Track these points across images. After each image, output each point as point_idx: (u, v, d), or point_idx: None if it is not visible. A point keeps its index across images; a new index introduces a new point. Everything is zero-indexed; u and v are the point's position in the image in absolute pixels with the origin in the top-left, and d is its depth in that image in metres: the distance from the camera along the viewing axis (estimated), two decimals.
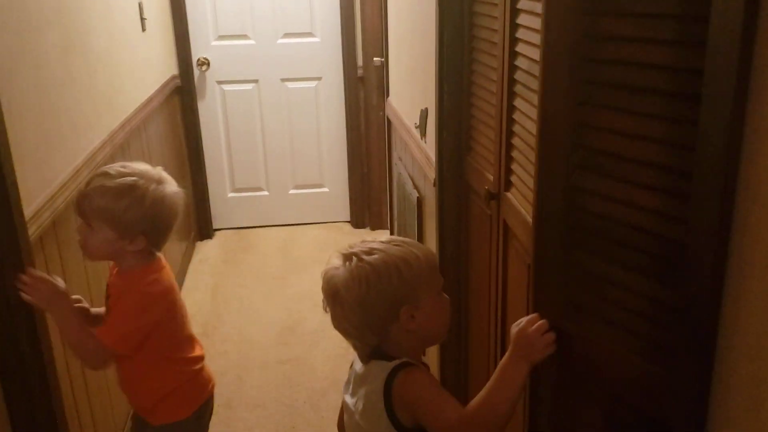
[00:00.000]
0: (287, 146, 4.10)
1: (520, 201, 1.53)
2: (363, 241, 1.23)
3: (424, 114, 2.21)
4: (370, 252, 1.20)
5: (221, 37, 3.88)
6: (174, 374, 1.61)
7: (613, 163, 0.91)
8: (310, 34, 3.92)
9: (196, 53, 3.87)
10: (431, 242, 2.22)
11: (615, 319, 0.94)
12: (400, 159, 2.80)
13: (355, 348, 1.27)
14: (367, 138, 4.02)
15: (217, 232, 4.22)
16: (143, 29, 3.09)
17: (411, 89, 2.48)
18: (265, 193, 4.20)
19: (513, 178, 1.59)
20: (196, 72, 3.90)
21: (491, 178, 1.72)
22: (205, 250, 4.04)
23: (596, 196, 0.95)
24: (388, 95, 3.08)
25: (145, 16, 3.12)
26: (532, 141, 1.43)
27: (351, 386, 1.29)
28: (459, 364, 2.16)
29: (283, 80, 3.98)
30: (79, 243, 1.50)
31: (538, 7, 1.33)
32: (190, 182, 3.99)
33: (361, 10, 3.79)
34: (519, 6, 1.46)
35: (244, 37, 3.89)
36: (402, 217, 2.79)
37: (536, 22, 1.37)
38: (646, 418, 0.90)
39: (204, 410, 1.69)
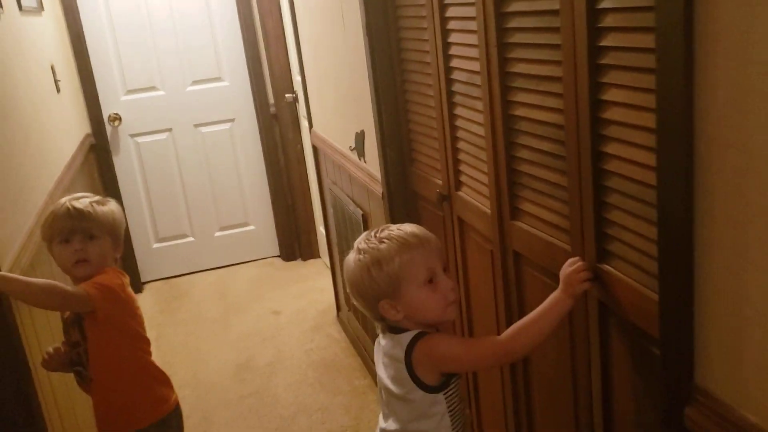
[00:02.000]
0: (208, 190, 4.16)
1: (474, 196, 1.72)
2: (383, 229, 1.36)
3: (360, 136, 2.38)
4: (364, 250, 1.34)
5: (130, 92, 3.91)
6: (143, 368, 1.82)
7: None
8: (218, 79, 4.03)
9: (107, 110, 3.88)
10: None
11: (629, 258, 1.13)
12: (335, 183, 2.95)
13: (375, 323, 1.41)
14: (288, 171, 4.15)
15: (147, 285, 4.19)
16: (58, 91, 3.10)
17: (341, 117, 2.65)
18: (191, 239, 4.23)
19: (463, 178, 1.78)
20: (109, 128, 3.90)
21: (440, 182, 1.91)
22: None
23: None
24: (311, 126, 3.23)
25: (59, 78, 3.13)
26: (478, 141, 1.63)
27: (378, 357, 1.40)
28: None
29: (197, 125, 4.05)
30: (76, 261, 1.70)
31: (469, 25, 1.55)
32: None
33: (266, 50, 3.94)
34: (449, 27, 1.67)
35: (153, 88, 3.94)
36: (344, 238, 2.93)
37: (467, 38, 1.58)
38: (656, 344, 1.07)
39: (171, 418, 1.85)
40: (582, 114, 1.18)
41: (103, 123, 3.86)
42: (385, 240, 1.33)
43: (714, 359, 0.94)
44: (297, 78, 3.78)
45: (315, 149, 3.24)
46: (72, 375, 1.82)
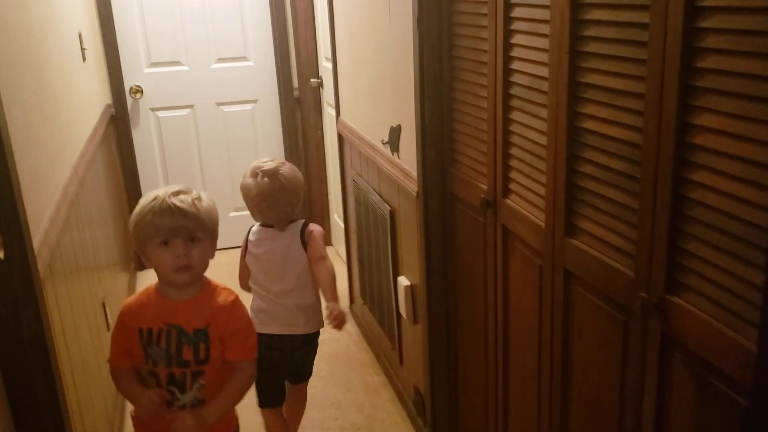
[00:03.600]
0: (225, 169, 4.09)
1: (524, 205, 1.66)
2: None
3: (396, 131, 2.32)
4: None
5: (154, 64, 3.84)
6: None
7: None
8: (243, 58, 3.95)
9: (129, 81, 3.80)
10: (410, 253, 2.32)
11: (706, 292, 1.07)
12: (360, 175, 2.89)
13: None
14: (306, 157, 4.08)
15: None
16: (84, 59, 3.03)
17: (374, 108, 2.58)
18: None
19: (512, 186, 1.72)
20: (130, 100, 3.83)
21: (485, 187, 1.85)
22: (147, 280, 3.93)
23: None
24: (339, 114, 3.16)
25: (85, 46, 3.06)
26: (534, 149, 1.57)
27: None
28: (450, 372, 2.26)
29: (219, 104, 3.98)
30: (178, 266, 1.52)
31: (539, 28, 1.49)
32: (127, 211, 3.90)
33: (294, 34, 3.86)
34: (514, 27, 1.61)
35: (177, 63, 3.87)
36: (364, 230, 2.87)
37: (535, 41, 1.51)
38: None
39: None
40: (665, 136, 1.12)
41: (125, 94, 3.78)
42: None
43: None
44: (324, 63, 3.70)
45: (340, 138, 3.17)
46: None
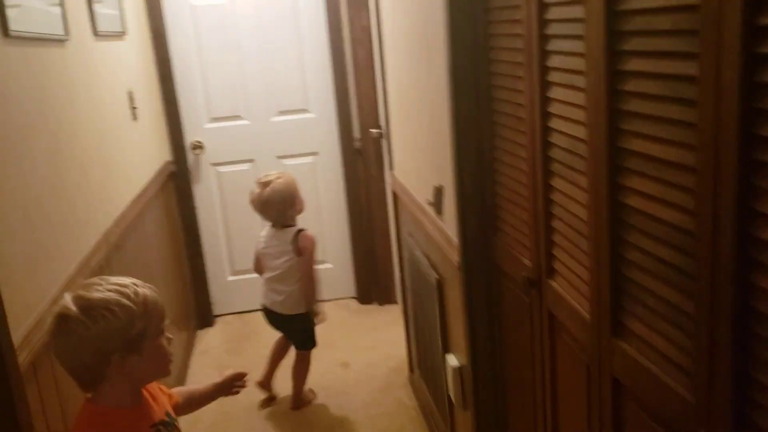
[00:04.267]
0: None
1: (568, 290, 1.38)
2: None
3: (438, 192, 2.09)
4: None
5: (214, 119, 3.79)
6: None
7: None
8: (304, 110, 3.84)
9: (190, 137, 3.77)
10: (459, 328, 2.06)
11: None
12: (411, 236, 2.66)
13: None
14: (369, 210, 3.90)
15: (219, 319, 4.03)
16: (134, 118, 2.99)
17: (419, 164, 2.36)
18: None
19: (556, 265, 1.44)
20: (191, 156, 3.79)
21: (528, 263, 1.58)
22: (207, 339, 3.85)
23: None
24: (391, 168, 2.96)
25: (136, 104, 3.02)
26: (576, 223, 1.30)
27: None
28: None
29: (280, 158, 3.88)
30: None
31: (575, 80, 1.23)
32: (188, 268, 3.83)
33: (356, 83, 3.72)
34: (550, 79, 1.35)
35: (237, 117, 3.80)
36: (417, 296, 2.63)
37: (572, 96, 1.26)
38: None
39: None
40: (724, 224, 0.83)
41: (185, 150, 3.75)
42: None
43: None
44: (384, 111, 3.53)
45: (394, 193, 2.96)
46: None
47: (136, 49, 3.21)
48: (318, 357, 3.45)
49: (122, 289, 1.30)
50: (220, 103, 3.76)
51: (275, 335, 3.15)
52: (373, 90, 3.68)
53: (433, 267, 2.30)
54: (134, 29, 3.22)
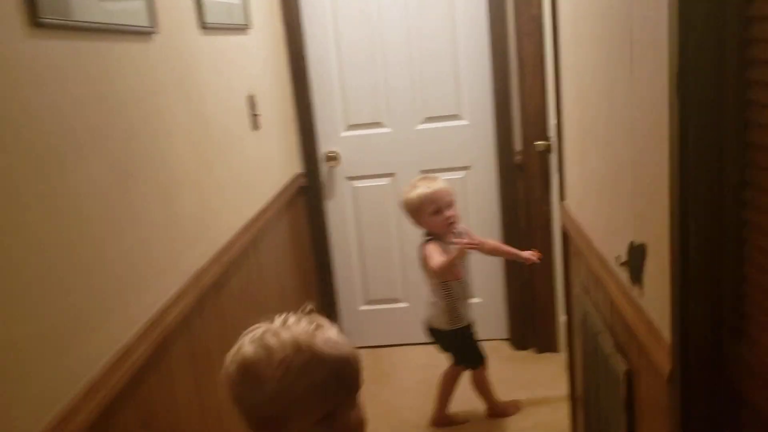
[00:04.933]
0: None
1: None
2: None
3: (638, 251, 1.41)
4: None
5: (352, 127, 3.30)
6: None
7: None
8: (456, 117, 3.25)
9: (324, 147, 3.31)
10: None
11: None
12: (587, 292, 1.99)
13: None
14: (529, 238, 3.24)
15: None
16: (255, 127, 2.56)
17: (605, 202, 1.69)
18: (404, 304, 3.51)
19: None
20: (324, 168, 3.33)
21: None
22: None
23: None
24: (562, 197, 2.30)
25: (258, 110, 2.59)
26: None
27: None
28: None
29: (424, 172, 3.31)
30: None
31: None
32: (315, 294, 3.39)
33: (520, 85, 3.07)
34: None
35: (378, 124, 3.29)
36: (591, 373, 1.96)
37: None
38: None
39: None
40: None
41: (317, 162, 3.29)
42: None
43: None
44: (554, 122, 2.86)
45: (564, 232, 2.29)
46: None
47: (263, 44, 2.79)
48: (465, 425, 2.88)
49: None
50: (359, 107, 3.27)
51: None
52: (541, 94, 3.01)
53: (620, 350, 1.63)
54: (262, 22, 2.80)
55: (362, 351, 3.57)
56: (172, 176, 1.76)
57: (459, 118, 3.25)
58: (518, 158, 3.17)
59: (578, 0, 1.89)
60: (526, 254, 2.73)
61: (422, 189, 2.54)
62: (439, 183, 2.57)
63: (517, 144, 3.16)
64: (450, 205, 2.54)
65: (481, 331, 3.43)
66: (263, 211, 2.55)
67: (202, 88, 2.04)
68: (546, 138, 3.04)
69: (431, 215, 2.54)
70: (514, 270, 3.31)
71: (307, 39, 3.19)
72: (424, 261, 2.58)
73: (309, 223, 3.31)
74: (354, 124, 3.29)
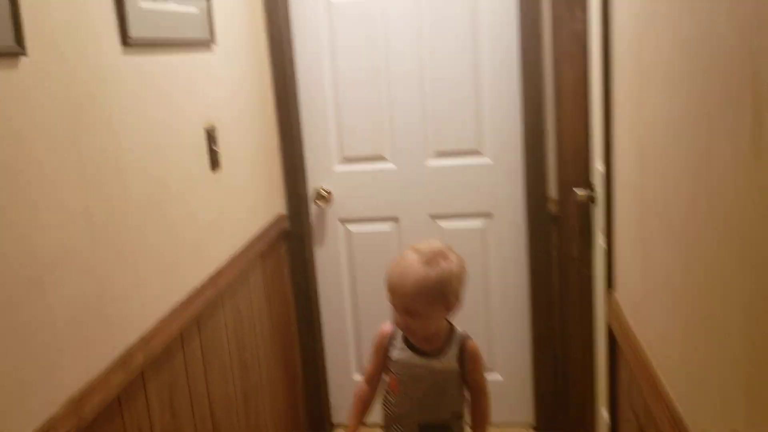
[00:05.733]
0: None
1: None
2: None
3: None
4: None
5: (347, 160, 2.72)
6: None
7: None
8: (475, 152, 2.65)
9: (313, 182, 2.74)
10: None
11: None
12: (637, 417, 1.38)
13: None
14: (563, 306, 2.62)
15: (338, 429, 2.97)
16: (214, 167, 2.00)
17: (687, 336, 1.08)
18: None
19: None
20: (313, 209, 2.76)
21: None
22: None
23: None
24: (610, 285, 1.69)
25: (219, 146, 2.03)
26: None
27: None
28: None
29: (434, 217, 2.72)
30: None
31: None
32: (299, 361, 2.82)
33: (556, 119, 2.47)
34: None
35: (380, 158, 2.71)
36: None
37: None
38: None
39: None
40: None
41: (305, 201, 2.72)
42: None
43: None
44: (599, 167, 2.25)
45: (611, 333, 1.68)
46: None
47: (234, 63, 2.22)
48: None
49: None
50: (357, 137, 2.69)
51: None
52: (583, 130, 2.40)
53: None
54: (235, 36, 2.24)
55: None
56: (43, 257, 1.20)
57: (479, 155, 2.65)
58: (552, 207, 2.56)
59: (645, 11, 1.28)
60: None
61: (397, 267, 1.72)
62: (425, 270, 1.66)
63: (552, 190, 2.55)
64: (405, 310, 1.69)
65: (500, 414, 2.83)
66: (220, 272, 1.99)
67: (115, 124, 1.48)
68: (589, 186, 2.42)
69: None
70: (543, 341, 2.69)
71: (296, 56, 2.62)
72: None
73: (292, 275, 2.74)
74: (351, 156, 2.71)
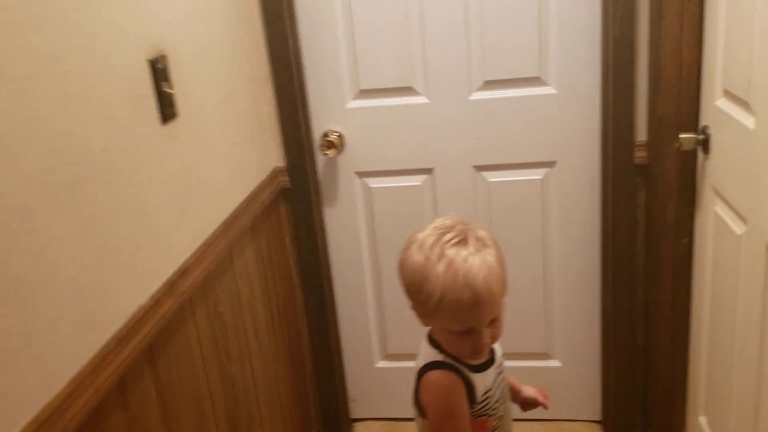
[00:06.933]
0: None
1: None
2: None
3: None
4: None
5: (365, 94, 2.06)
6: None
7: None
8: (536, 81, 1.97)
9: (319, 125, 2.09)
10: None
11: None
12: None
13: None
14: (649, 285, 2.01)
15: (359, 425, 2.44)
16: (166, 117, 1.36)
17: None
18: None
19: None
20: (320, 159, 2.12)
21: None
22: None
23: None
24: None
25: (173, 86, 1.39)
26: None
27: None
28: None
29: (479, 168, 2.08)
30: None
31: None
32: (308, 351, 2.26)
33: (651, 34, 1.78)
34: None
35: (408, 90, 2.03)
36: None
37: None
38: None
39: None
40: None
41: (310, 149, 2.08)
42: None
43: None
44: (717, 103, 1.58)
45: None
46: None
47: None
48: None
49: None
50: (377, 63, 2.01)
51: None
52: (693, 50, 1.71)
53: None
54: None
55: (380, 424, 2.49)
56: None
57: (541, 84, 1.97)
58: (641, 156, 1.90)
59: None
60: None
61: (461, 278, 1.13)
62: (486, 258, 1.16)
63: (641, 131, 1.89)
64: (489, 321, 1.18)
65: (558, 409, 2.30)
66: (194, 264, 1.39)
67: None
68: (697, 129, 1.76)
69: (454, 333, 1.20)
70: (617, 323, 2.10)
71: None
72: (422, 397, 1.30)
73: (297, 246, 2.13)
74: (369, 89, 2.04)
